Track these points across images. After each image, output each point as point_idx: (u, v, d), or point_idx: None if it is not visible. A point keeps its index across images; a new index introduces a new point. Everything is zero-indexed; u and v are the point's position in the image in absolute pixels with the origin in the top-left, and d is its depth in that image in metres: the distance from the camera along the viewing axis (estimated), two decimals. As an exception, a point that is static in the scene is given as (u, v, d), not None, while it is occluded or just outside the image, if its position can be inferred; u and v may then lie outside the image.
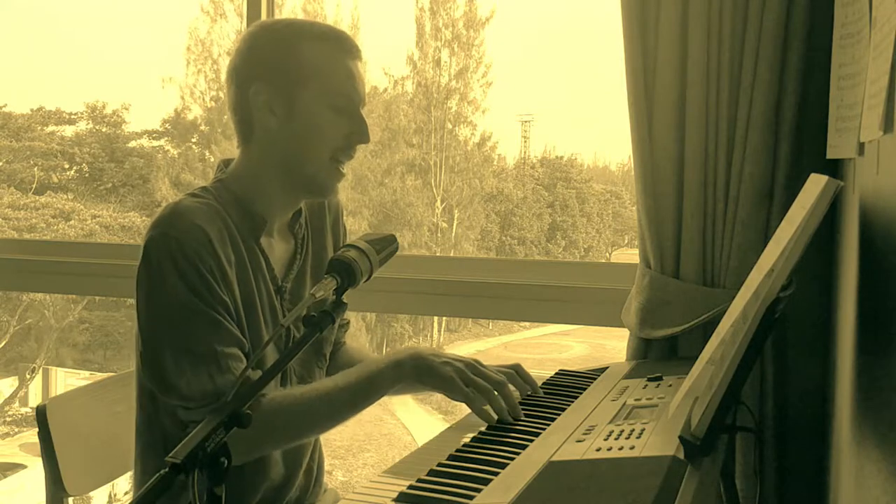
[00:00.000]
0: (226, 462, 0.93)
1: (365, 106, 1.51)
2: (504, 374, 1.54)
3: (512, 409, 1.36)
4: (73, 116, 11.51)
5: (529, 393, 1.51)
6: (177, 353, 1.35)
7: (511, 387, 1.52)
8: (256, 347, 1.44)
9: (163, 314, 1.37)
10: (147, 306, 1.38)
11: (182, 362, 1.34)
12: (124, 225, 10.68)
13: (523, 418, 1.36)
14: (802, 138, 1.72)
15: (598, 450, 1.12)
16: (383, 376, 1.39)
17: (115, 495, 8.91)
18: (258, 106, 1.46)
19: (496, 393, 1.36)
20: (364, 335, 10.64)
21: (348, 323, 1.77)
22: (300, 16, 9.47)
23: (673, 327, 1.75)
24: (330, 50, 1.47)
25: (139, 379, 1.47)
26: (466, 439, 1.27)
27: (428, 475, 1.12)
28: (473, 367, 1.40)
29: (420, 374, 1.39)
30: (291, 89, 1.44)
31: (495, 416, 1.34)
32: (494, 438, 1.27)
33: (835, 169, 1.57)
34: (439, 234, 11.00)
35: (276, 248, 1.54)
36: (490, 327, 11.42)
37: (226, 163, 1.54)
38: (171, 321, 1.36)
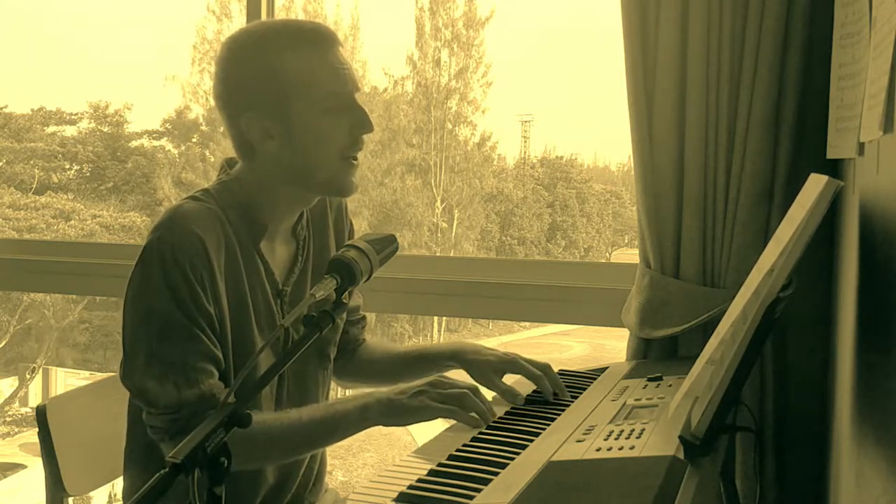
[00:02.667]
0: (226, 462, 0.93)
1: (359, 90, 1.48)
2: (541, 367, 1.53)
3: (489, 409, 1.37)
4: (73, 116, 11.50)
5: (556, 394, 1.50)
6: (150, 359, 1.36)
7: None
8: (246, 354, 1.43)
9: (145, 319, 1.37)
10: (132, 308, 1.39)
11: (153, 368, 1.35)
12: (125, 225, 10.67)
13: (523, 419, 1.36)
14: (802, 138, 1.72)
15: (598, 450, 1.12)
16: (348, 419, 1.38)
17: (115, 495, 8.90)
18: (254, 135, 1.43)
19: (471, 395, 1.37)
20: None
21: (364, 318, 1.76)
22: (300, 16, 9.46)
23: (673, 327, 1.75)
24: (307, 54, 1.42)
25: None
26: (466, 439, 1.27)
27: (428, 475, 1.12)
28: (439, 382, 1.39)
29: (391, 415, 1.36)
30: (282, 109, 1.42)
31: (483, 421, 1.34)
32: (494, 438, 1.27)
33: (835, 169, 1.57)
34: (439, 234, 10.98)
35: (278, 252, 1.53)
36: (490, 327, 11.41)
37: (229, 163, 1.53)
38: (150, 327, 1.37)
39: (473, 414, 1.35)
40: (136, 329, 1.38)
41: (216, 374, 1.39)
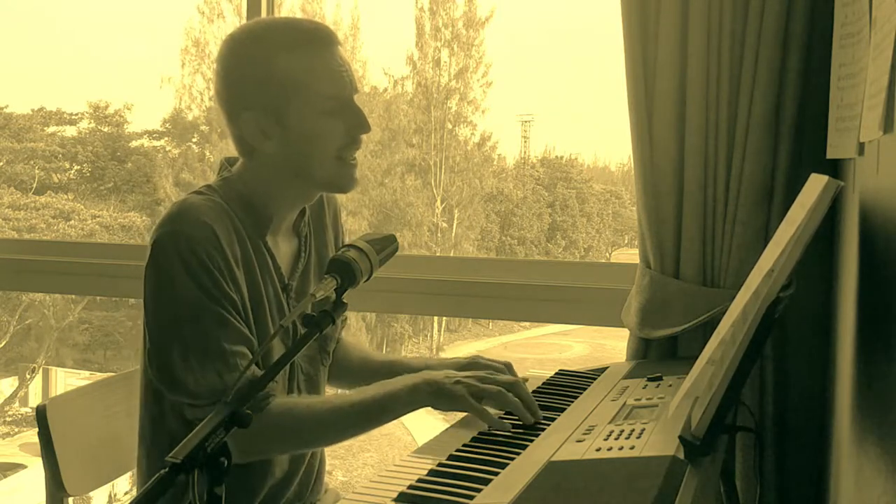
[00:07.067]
0: (226, 462, 0.93)
1: (357, 91, 1.48)
2: (502, 363, 1.56)
3: (528, 405, 1.35)
4: (73, 117, 11.50)
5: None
6: (185, 351, 1.35)
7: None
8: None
9: (171, 312, 1.37)
10: (155, 304, 1.39)
11: (190, 360, 1.35)
12: (124, 225, 10.67)
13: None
14: (802, 138, 1.72)
15: (598, 450, 1.12)
16: (398, 400, 1.38)
17: (115, 495, 8.90)
18: (251, 134, 1.44)
19: (507, 393, 1.36)
20: (364, 335, 10.63)
21: (346, 319, 1.77)
22: (299, 15, 9.45)
23: (673, 327, 1.75)
24: (305, 56, 1.43)
25: (144, 379, 1.48)
26: (466, 439, 1.27)
27: (428, 475, 1.12)
28: (482, 377, 1.39)
29: (435, 397, 1.37)
30: (279, 111, 1.42)
31: (510, 427, 1.32)
32: (494, 438, 1.27)
33: (835, 169, 1.57)
34: (439, 234, 10.98)
35: (282, 247, 1.54)
36: (490, 327, 11.41)
37: (229, 161, 1.54)
38: (179, 319, 1.36)
39: (504, 421, 1.34)
40: (164, 325, 1.38)
41: (250, 355, 1.39)
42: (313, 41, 1.45)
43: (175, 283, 1.36)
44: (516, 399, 1.35)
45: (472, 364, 1.58)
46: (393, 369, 1.67)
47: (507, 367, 1.56)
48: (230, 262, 1.39)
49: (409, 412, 1.39)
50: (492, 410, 1.36)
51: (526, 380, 1.60)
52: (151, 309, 1.39)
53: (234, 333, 1.37)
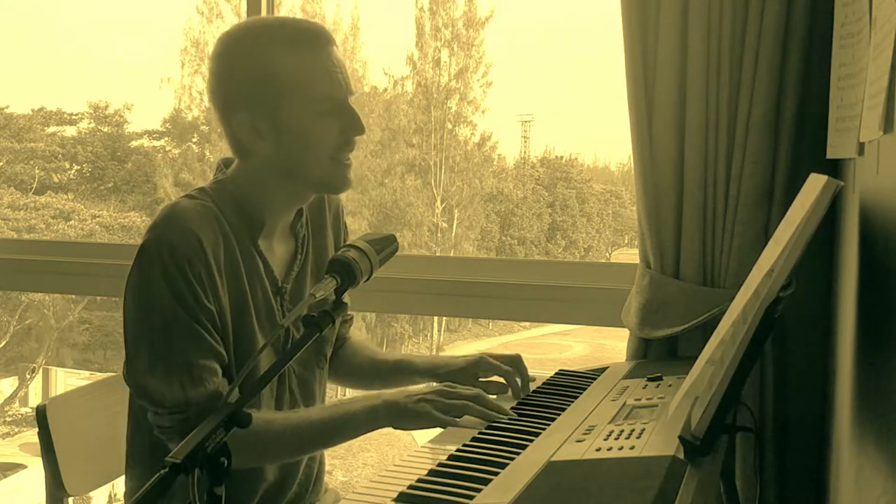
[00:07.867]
0: (226, 462, 0.93)
1: (353, 93, 1.47)
2: (509, 361, 1.59)
3: (496, 410, 1.37)
4: (73, 117, 11.50)
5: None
6: (152, 359, 1.36)
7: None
8: (247, 352, 1.43)
9: (145, 318, 1.37)
10: (132, 308, 1.39)
11: (156, 368, 1.35)
12: (124, 225, 10.67)
13: (522, 419, 1.36)
14: (802, 138, 1.72)
15: (598, 450, 1.12)
16: (357, 420, 1.39)
17: (115, 495, 8.90)
18: (245, 134, 1.43)
19: (474, 405, 1.37)
20: (364, 335, 10.61)
21: (351, 318, 1.77)
22: (299, 15, 9.44)
23: (673, 327, 1.75)
24: (301, 56, 1.41)
25: None
26: (466, 439, 1.27)
27: (428, 475, 1.12)
28: (443, 391, 1.40)
29: (396, 418, 1.38)
30: (273, 111, 1.41)
31: (483, 424, 1.34)
32: (494, 438, 1.27)
33: (835, 169, 1.57)
34: (439, 234, 10.98)
35: (277, 250, 1.53)
36: (490, 327, 11.41)
37: (226, 163, 1.53)
38: (152, 326, 1.36)
39: (473, 420, 1.36)
40: (137, 329, 1.38)
41: (220, 370, 1.39)
42: (309, 41, 1.44)
43: (153, 290, 1.35)
44: (482, 409, 1.37)
45: (479, 362, 1.59)
46: (399, 369, 1.69)
47: (517, 361, 1.58)
48: (212, 270, 1.38)
49: (367, 432, 1.40)
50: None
51: (533, 379, 1.61)
52: (129, 313, 1.39)
53: (205, 348, 1.37)
